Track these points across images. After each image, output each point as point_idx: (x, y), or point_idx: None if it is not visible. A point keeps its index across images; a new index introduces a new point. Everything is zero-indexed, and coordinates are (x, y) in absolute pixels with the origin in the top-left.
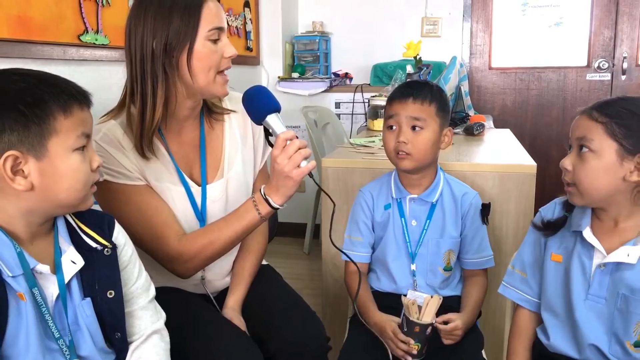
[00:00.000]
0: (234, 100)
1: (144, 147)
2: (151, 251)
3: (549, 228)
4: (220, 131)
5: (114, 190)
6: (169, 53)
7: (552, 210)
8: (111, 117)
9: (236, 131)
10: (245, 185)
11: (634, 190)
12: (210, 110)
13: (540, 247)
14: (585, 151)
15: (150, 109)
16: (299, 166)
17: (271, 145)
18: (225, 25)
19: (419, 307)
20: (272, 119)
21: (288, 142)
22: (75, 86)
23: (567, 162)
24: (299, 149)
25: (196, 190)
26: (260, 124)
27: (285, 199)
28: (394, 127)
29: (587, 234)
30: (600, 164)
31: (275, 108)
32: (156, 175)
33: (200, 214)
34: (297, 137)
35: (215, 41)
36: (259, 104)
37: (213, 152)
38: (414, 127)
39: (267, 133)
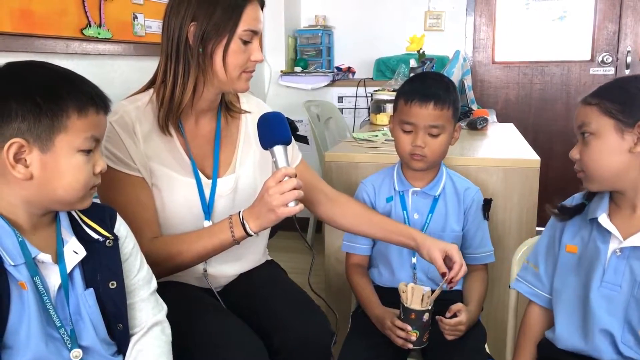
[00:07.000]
0: (252, 103)
1: (168, 123)
2: None
3: (566, 212)
4: (235, 128)
5: (107, 175)
6: (204, 42)
7: (570, 201)
8: (136, 93)
9: (251, 132)
10: (253, 187)
11: None
12: (227, 108)
13: (555, 241)
14: (587, 136)
15: (181, 87)
16: (286, 205)
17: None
18: (261, 31)
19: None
20: (278, 150)
21: (286, 178)
22: (97, 90)
23: (574, 152)
24: (294, 189)
25: (206, 183)
26: (266, 149)
27: (261, 229)
28: (411, 132)
29: (603, 219)
30: (602, 143)
31: (286, 140)
32: (164, 161)
33: (207, 207)
34: (295, 176)
35: (245, 42)
36: (272, 130)
37: (227, 146)
38: (431, 133)
39: None
